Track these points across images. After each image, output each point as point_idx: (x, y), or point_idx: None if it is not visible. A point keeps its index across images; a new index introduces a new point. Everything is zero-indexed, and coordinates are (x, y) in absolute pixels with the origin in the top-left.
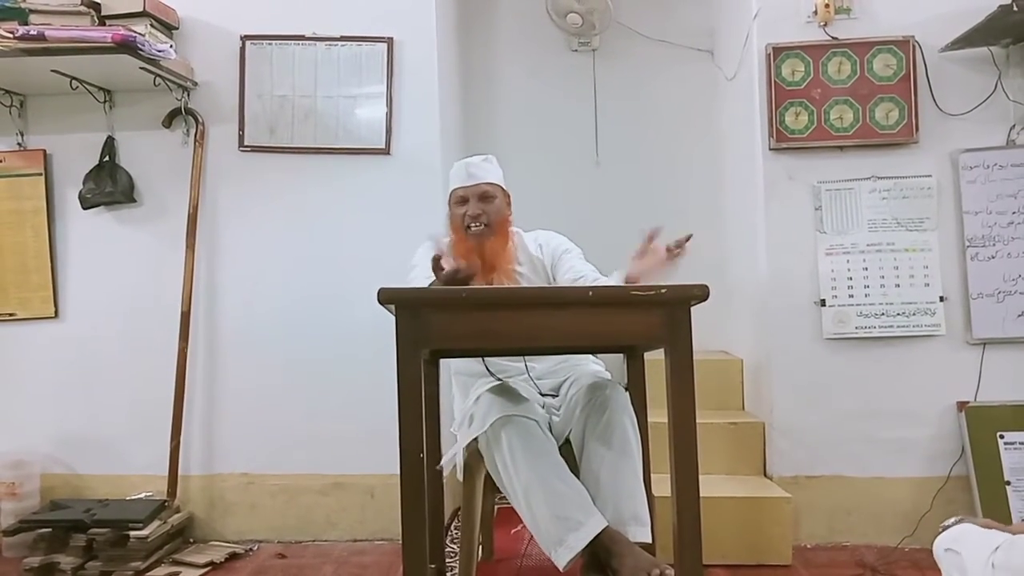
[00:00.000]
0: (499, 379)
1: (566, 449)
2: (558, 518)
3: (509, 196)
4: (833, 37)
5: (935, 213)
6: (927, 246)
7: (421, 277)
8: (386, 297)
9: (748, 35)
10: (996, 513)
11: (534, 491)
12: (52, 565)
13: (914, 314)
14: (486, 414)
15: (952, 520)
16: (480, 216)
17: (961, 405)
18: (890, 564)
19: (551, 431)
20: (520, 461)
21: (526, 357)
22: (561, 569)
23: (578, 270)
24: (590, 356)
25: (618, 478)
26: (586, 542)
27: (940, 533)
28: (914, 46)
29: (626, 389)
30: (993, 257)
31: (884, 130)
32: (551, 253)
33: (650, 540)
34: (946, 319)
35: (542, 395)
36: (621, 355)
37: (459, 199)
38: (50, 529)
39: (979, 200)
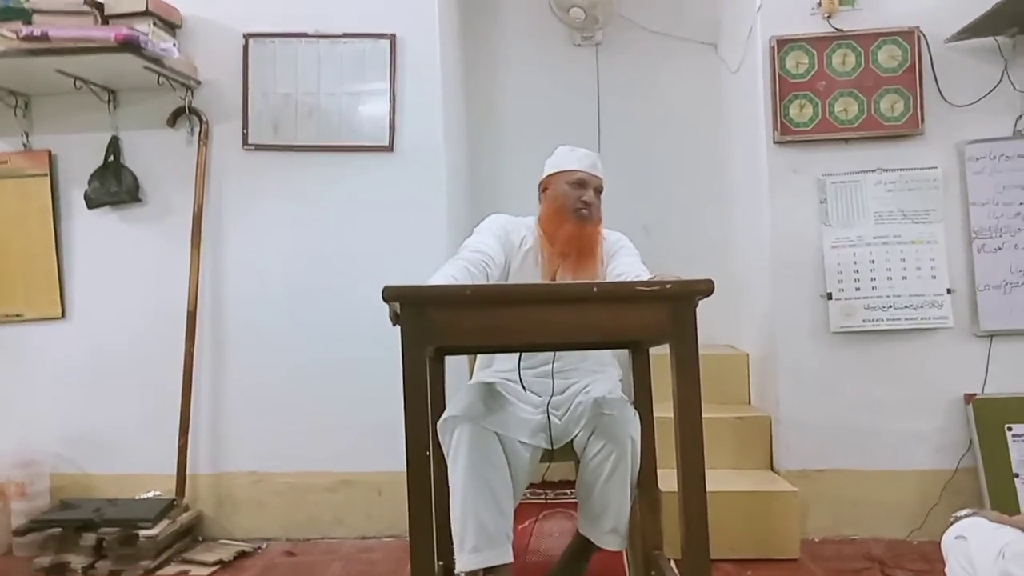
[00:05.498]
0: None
1: (566, 449)
2: (467, 530)
3: None
4: (837, 29)
5: (941, 205)
6: (933, 238)
7: (468, 249)
8: (390, 295)
9: (752, 28)
10: (1005, 505)
11: (459, 496)
12: (63, 565)
13: (921, 307)
14: (455, 403)
15: (964, 511)
16: (591, 205)
17: (969, 397)
18: (898, 557)
19: (550, 433)
20: (460, 464)
21: (554, 353)
22: (457, 569)
23: (623, 266)
24: (611, 360)
25: (608, 494)
26: (471, 568)
27: (951, 523)
28: (919, 37)
29: (632, 404)
30: (1000, 248)
31: (889, 122)
32: (608, 248)
33: (623, 549)
34: (953, 311)
35: (539, 396)
36: (626, 350)
37: (579, 181)
38: (60, 529)
39: (985, 191)
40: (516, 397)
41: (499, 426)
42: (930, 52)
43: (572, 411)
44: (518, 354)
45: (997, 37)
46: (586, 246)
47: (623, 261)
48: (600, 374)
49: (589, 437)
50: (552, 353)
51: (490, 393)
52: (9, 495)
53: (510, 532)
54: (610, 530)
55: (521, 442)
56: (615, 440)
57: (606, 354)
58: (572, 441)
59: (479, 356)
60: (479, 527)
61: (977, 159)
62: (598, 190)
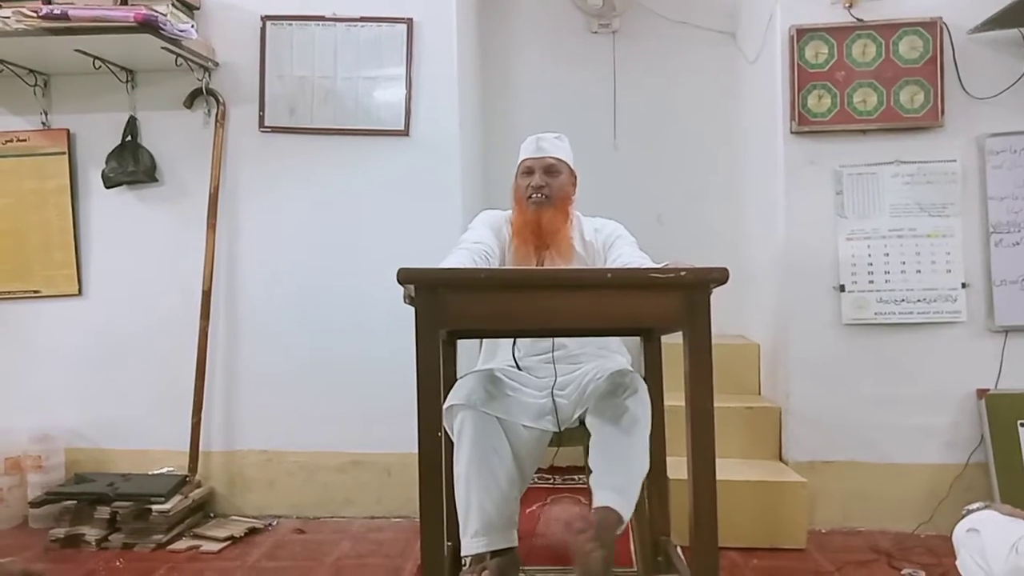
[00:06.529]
0: (517, 364)
1: (575, 433)
2: (471, 515)
3: (575, 176)
4: (858, 19)
5: (959, 198)
6: (950, 232)
7: (469, 241)
8: (405, 277)
9: (771, 17)
10: (1015, 501)
11: (463, 482)
12: (77, 536)
13: (935, 300)
14: (457, 391)
15: (977, 504)
16: (543, 188)
17: (981, 392)
18: (905, 550)
19: (557, 416)
20: (464, 451)
21: (554, 340)
22: (462, 553)
23: (626, 256)
24: (619, 347)
25: (615, 454)
26: (474, 552)
27: (963, 516)
28: (941, 28)
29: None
30: (1018, 243)
31: (908, 114)
32: (604, 239)
33: (623, 513)
34: (968, 306)
35: (542, 379)
36: (638, 338)
37: (526, 169)
38: (75, 502)
39: (1005, 185)
40: (519, 382)
41: (501, 411)
42: (952, 43)
43: (580, 390)
44: (514, 340)
45: (1022, 29)
46: (550, 229)
47: (625, 251)
48: (604, 359)
49: (600, 400)
50: (552, 341)
51: (491, 380)
52: (25, 468)
53: (514, 516)
54: (612, 489)
55: (526, 426)
56: (628, 399)
57: (611, 341)
58: (582, 422)
59: (483, 347)
60: (482, 512)
61: (997, 153)
62: (549, 169)
